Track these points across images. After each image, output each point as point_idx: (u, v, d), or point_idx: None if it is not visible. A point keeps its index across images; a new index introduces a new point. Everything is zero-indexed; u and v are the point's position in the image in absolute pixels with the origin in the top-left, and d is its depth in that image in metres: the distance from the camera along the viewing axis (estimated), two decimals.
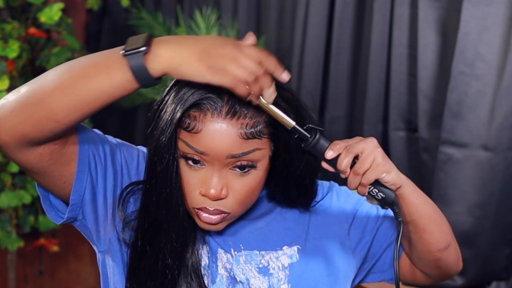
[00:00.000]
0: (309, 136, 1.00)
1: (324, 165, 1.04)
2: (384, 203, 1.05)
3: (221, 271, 1.08)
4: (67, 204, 1.04)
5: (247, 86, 0.91)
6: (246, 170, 1.00)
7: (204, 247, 1.08)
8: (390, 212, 1.19)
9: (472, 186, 2.13)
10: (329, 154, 1.00)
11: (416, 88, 2.33)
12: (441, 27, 2.26)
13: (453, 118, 2.16)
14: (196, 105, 0.97)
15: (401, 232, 1.06)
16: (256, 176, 1.01)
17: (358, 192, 1.03)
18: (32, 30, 2.85)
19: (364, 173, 1.01)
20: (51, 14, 2.76)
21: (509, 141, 2.09)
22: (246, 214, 1.11)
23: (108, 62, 0.91)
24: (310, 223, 1.15)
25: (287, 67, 2.99)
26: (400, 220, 1.06)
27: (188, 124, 0.97)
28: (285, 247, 1.12)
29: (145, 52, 0.89)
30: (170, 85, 1.02)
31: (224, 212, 1.02)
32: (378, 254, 1.18)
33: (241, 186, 1.01)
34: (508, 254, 2.17)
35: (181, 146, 0.99)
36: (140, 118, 3.41)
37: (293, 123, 0.99)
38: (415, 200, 1.08)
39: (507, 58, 2.05)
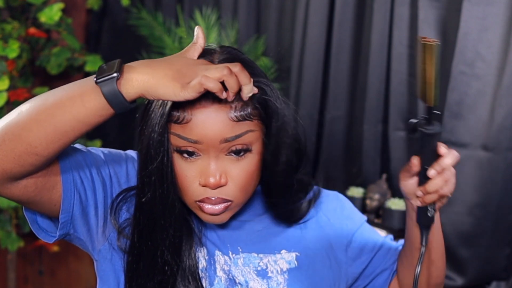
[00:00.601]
0: (438, 125, 0.99)
1: (415, 160, 1.02)
2: (428, 221, 1.05)
3: (219, 273, 1.08)
4: (57, 218, 1.04)
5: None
6: (241, 154, 0.99)
7: (202, 249, 1.08)
8: (388, 240, 1.20)
9: (472, 186, 2.13)
10: (444, 150, 1.00)
11: (416, 88, 2.33)
12: (441, 27, 2.26)
13: (453, 118, 2.16)
14: None
15: (423, 256, 1.06)
16: (252, 160, 1.01)
17: (425, 200, 1.02)
18: (32, 30, 2.85)
19: (448, 183, 1.02)
20: (51, 14, 2.76)
21: (509, 141, 2.09)
22: (244, 215, 1.11)
23: (82, 91, 0.92)
24: (308, 230, 1.15)
25: (287, 67, 2.99)
26: (424, 245, 1.06)
27: (178, 117, 0.97)
28: (283, 251, 1.11)
29: (118, 78, 0.90)
30: None
31: (227, 200, 1.01)
32: (371, 276, 1.19)
33: (239, 171, 1.00)
34: (508, 254, 2.17)
35: (174, 140, 0.99)
36: None
37: (433, 103, 0.96)
38: (437, 230, 1.10)
39: (507, 58, 2.05)
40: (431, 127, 0.98)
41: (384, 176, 2.48)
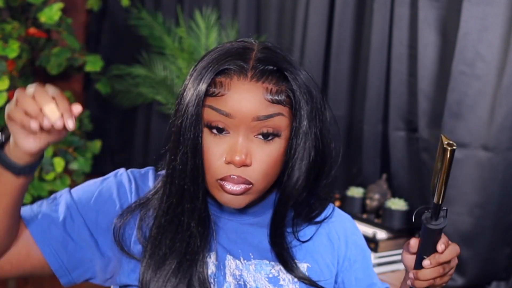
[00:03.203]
0: (443, 220, 1.00)
1: (412, 241, 1.04)
2: None
3: (229, 279, 1.06)
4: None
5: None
6: (270, 138, 1.00)
7: (211, 254, 1.06)
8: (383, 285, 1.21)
9: (472, 186, 2.13)
10: (441, 247, 1.01)
11: (416, 88, 2.33)
12: (441, 27, 2.26)
13: (453, 118, 2.16)
14: (223, 71, 0.99)
15: None
16: (279, 147, 1.01)
17: (415, 284, 1.03)
18: (32, 30, 2.85)
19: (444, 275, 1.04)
20: (51, 14, 2.76)
21: (509, 141, 2.09)
22: (256, 218, 1.10)
23: None
24: (320, 244, 1.14)
25: None
26: None
27: (214, 91, 0.99)
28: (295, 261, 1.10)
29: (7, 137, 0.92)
30: (191, 70, 1.04)
31: (248, 182, 1.00)
32: None
33: (265, 155, 1.00)
34: (508, 254, 2.17)
35: (206, 115, 0.99)
36: (140, 118, 3.41)
37: (439, 201, 0.98)
38: None
39: (507, 58, 2.05)
40: (434, 222, 1.00)
41: (384, 176, 2.48)
